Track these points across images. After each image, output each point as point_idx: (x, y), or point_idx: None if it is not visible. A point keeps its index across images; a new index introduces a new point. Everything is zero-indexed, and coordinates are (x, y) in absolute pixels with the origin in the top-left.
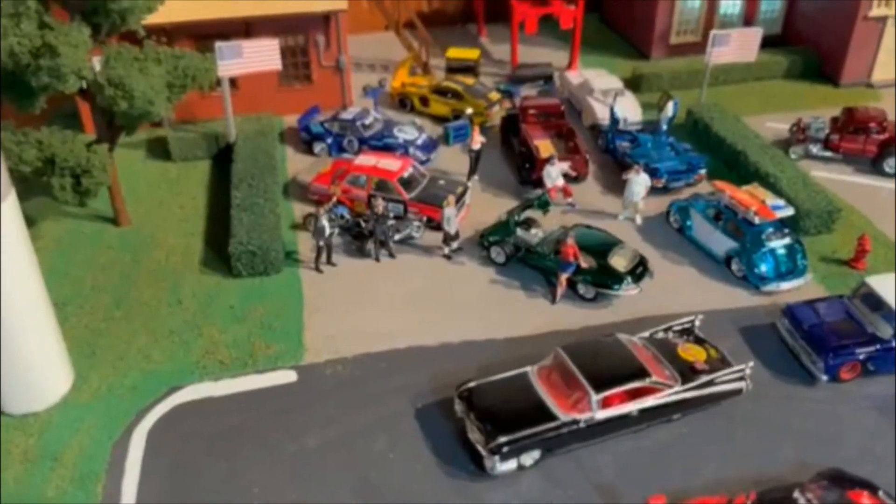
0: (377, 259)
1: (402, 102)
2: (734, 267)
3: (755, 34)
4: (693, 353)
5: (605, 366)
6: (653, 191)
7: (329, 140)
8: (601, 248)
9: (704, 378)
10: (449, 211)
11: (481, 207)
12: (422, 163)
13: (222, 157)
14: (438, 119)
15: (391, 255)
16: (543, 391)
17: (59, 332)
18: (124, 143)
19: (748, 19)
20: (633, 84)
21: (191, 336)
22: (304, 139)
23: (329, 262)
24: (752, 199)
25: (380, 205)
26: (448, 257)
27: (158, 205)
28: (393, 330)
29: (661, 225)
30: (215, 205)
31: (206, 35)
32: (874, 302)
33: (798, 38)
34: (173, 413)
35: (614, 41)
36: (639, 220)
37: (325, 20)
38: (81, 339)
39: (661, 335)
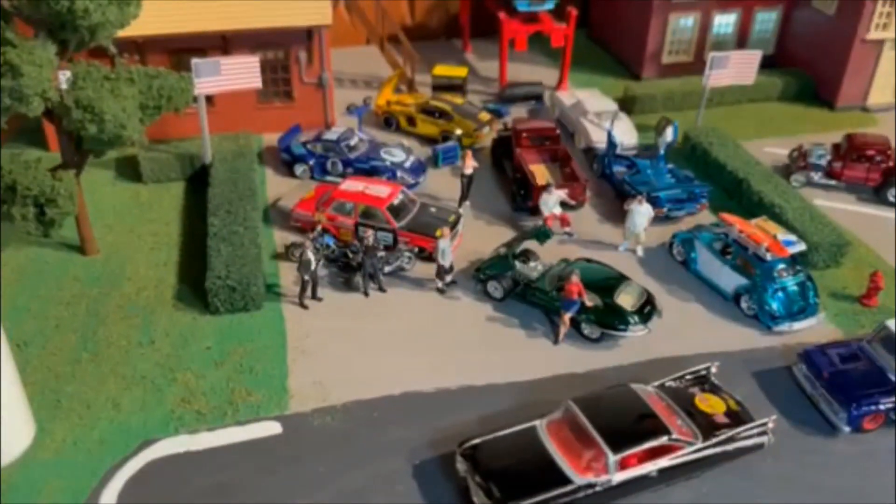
0: (366, 293)
1: (388, 121)
2: (744, 305)
3: (754, 57)
4: (711, 405)
5: (622, 422)
6: (653, 220)
7: (311, 162)
8: (606, 284)
9: (726, 433)
10: (443, 243)
11: (474, 236)
12: (410, 187)
13: (197, 179)
14: (426, 140)
15: (381, 289)
16: (555, 449)
17: (19, 379)
18: (92, 162)
19: (741, 39)
20: (626, 105)
21: (164, 382)
22: (285, 160)
23: (314, 296)
24: (762, 233)
25: (369, 236)
26: (442, 291)
27: (129, 231)
28: (385, 373)
29: (663, 257)
30: (190, 232)
31: (181, 49)
32: (894, 346)
33: (791, 60)
34: (146, 471)
35: (602, 59)
36: (640, 251)
37: (307, 35)
38: (45, 386)
39: (675, 383)
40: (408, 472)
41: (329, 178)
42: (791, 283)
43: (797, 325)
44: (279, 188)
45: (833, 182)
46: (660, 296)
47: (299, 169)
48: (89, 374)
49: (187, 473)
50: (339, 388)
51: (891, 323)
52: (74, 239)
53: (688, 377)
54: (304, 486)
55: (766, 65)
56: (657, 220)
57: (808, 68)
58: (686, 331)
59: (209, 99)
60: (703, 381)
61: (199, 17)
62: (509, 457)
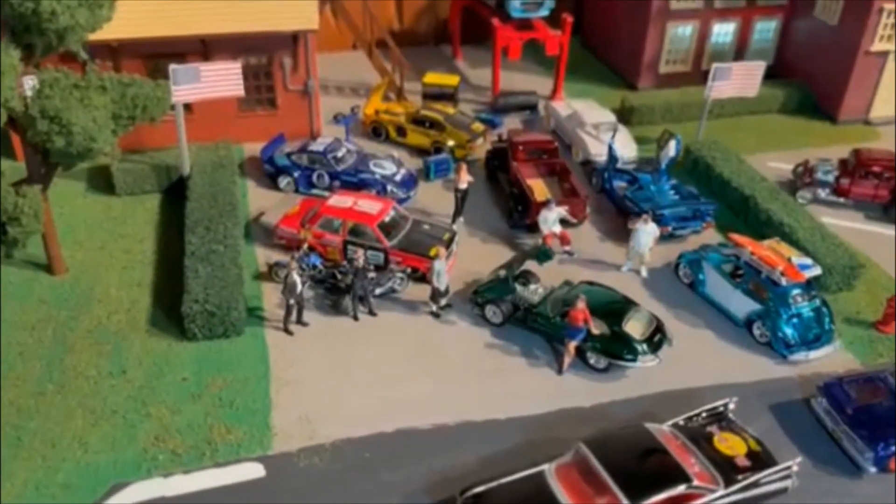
0: (355, 317)
1: (376, 131)
2: (756, 331)
3: (758, 68)
4: (731, 446)
5: (638, 467)
6: (657, 239)
7: (296, 174)
8: (613, 310)
9: (748, 478)
10: (439, 264)
11: (469, 255)
12: (401, 201)
13: (174, 191)
14: (416, 151)
15: (371, 313)
16: (566, 498)
17: None
18: (62, 172)
19: (740, 49)
20: (623, 116)
21: (137, 417)
22: (268, 172)
23: (300, 321)
24: (776, 256)
25: (360, 257)
26: (436, 315)
27: (100, 248)
28: (377, 407)
29: (668, 278)
30: (166, 249)
31: (158, 54)
32: None
33: (790, 71)
34: None
35: (596, 67)
36: (644, 272)
37: (292, 40)
38: (6, 422)
39: (691, 421)
40: None
41: (315, 191)
42: (806, 309)
43: (813, 354)
44: (262, 202)
45: (840, 199)
46: (667, 321)
47: (283, 181)
48: (55, 408)
49: None
50: (328, 424)
51: None
52: (41, 257)
53: (704, 414)
54: None
55: (766, 75)
56: (660, 238)
57: (809, 80)
58: (696, 359)
59: (187, 106)
60: (720, 419)
61: (177, 20)
62: None
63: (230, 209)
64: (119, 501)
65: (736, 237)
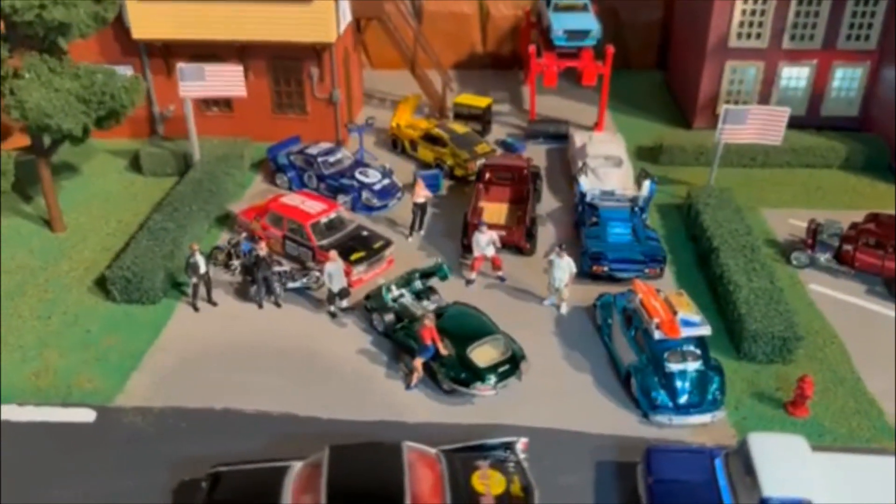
0: (260, 305)
1: (395, 143)
2: (633, 385)
3: (781, 114)
4: (489, 484)
5: (359, 484)
6: (608, 279)
7: (291, 173)
8: (470, 335)
9: None
10: (331, 266)
11: (407, 266)
12: (376, 209)
13: None
14: (425, 165)
15: (277, 304)
16: (287, 498)
17: None
18: (110, 149)
19: (816, 96)
20: (653, 155)
21: (33, 354)
22: (272, 169)
23: (209, 300)
24: (663, 307)
25: (262, 248)
26: (333, 315)
27: (101, 217)
28: (226, 387)
29: (586, 318)
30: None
31: (200, 55)
32: (749, 465)
33: (874, 125)
34: None
35: (666, 103)
36: (564, 309)
37: (316, 53)
38: None
39: (469, 450)
40: (167, 489)
41: (306, 189)
42: (685, 370)
43: (678, 420)
44: (256, 193)
45: (843, 268)
46: (556, 359)
47: (280, 178)
48: None
49: None
50: (173, 392)
51: (754, 437)
52: None
53: (493, 446)
54: (66, 478)
55: (847, 127)
56: (608, 279)
57: (887, 136)
58: (558, 400)
59: (228, 103)
60: (502, 456)
61: (214, 26)
62: (244, 495)
63: (207, 195)
64: None
65: (639, 283)
